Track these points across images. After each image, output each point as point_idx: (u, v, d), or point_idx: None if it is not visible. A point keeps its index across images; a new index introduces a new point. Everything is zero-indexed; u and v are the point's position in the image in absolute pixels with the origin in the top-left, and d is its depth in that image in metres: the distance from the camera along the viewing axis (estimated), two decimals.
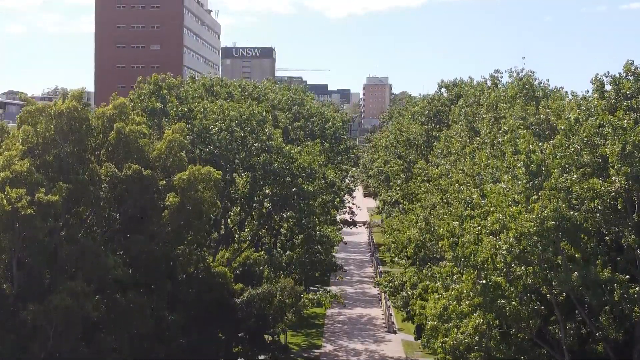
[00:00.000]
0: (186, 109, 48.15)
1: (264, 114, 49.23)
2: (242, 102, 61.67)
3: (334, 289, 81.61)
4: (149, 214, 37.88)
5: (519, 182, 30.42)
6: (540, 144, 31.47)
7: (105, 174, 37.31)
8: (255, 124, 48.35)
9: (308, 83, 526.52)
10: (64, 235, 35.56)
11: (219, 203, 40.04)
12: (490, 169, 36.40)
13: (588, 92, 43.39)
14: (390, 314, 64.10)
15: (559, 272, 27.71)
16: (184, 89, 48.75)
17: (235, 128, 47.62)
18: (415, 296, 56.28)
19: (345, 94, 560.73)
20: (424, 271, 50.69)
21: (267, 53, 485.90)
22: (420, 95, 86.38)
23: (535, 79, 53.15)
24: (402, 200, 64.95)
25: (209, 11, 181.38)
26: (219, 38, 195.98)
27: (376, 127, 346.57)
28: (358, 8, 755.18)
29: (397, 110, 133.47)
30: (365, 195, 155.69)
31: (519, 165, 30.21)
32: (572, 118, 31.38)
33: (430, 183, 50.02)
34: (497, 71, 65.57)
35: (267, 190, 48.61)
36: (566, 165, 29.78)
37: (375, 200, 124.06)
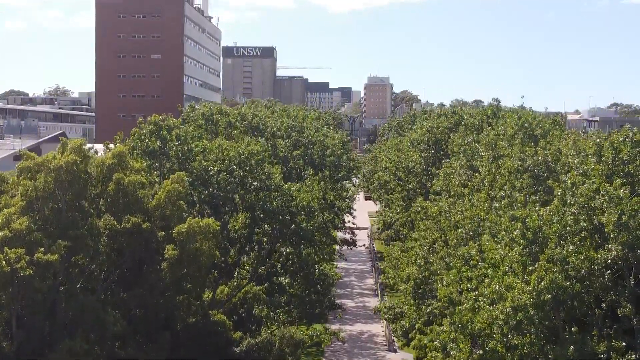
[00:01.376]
0: (186, 148, 48.27)
1: (263, 153, 49.20)
2: (241, 136, 61.86)
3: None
4: (148, 266, 38.07)
5: (516, 248, 30.52)
6: (537, 208, 31.56)
7: (104, 227, 37.48)
8: (254, 164, 48.44)
9: (309, 81, 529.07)
10: (63, 291, 35.74)
11: (217, 253, 40.15)
12: (489, 222, 36.52)
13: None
14: (391, 332, 64.24)
15: (555, 345, 27.84)
16: (184, 129, 48.82)
17: (235, 168, 47.73)
18: (415, 330, 56.64)
19: (346, 92, 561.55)
20: (422, 308, 50.96)
21: (268, 52, 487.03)
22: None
23: (533, 114, 53.42)
24: (402, 229, 65.09)
25: (210, 17, 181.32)
26: (219, 44, 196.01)
27: (377, 127, 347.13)
28: (360, 4, 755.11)
29: (396, 122, 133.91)
30: (366, 199, 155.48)
31: (515, 233, 30.30)
32: (569, 182, 31.48)
33: (429, 221, 50.18)
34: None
35: (266, 227, 48.73)
36: (563, 233, 29.89)
37: (376, 204, 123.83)
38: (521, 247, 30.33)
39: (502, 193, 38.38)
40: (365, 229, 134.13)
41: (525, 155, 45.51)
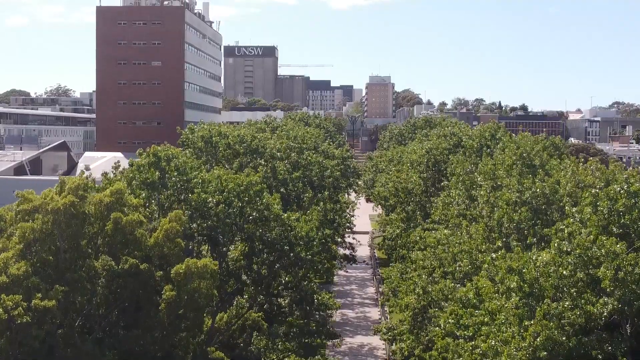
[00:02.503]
0: (185, 179, 48.23)
1: (262, 184, 49.19)
2: (241, 158, 61.92)
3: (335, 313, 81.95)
4: (146, 307, 38.12)
5: (513, 298, 30.57)
6: (533, 257, 31.56)
7: (102, 268, 37.52)
8: (253, 194, 48.43)
9: (311, 79, 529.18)
10: (60, 335, 35.79)
11: (215, 292, 40.18)
12: (487, 264, 36.54)
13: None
14: (391, 354, 64.17)
15: None
16: (182, 160, 48.75)
17: (233, 199, 47.73)
18: (414, 357, 56.59)
19: (348, 91, 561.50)
20: (421, 335, 51.00)
21: (270, 52, 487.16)
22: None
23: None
24: (402, 250, 65.16)
25: (210, 22, 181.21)
26: (220, 48, 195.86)
27: (378, 127, 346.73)
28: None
29: (397, 131, 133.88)
30: (367, 200, 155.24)
31: (512, 285, 30.34)
32: (566, 232, 31.51)
33: (428, 250, 50.22)
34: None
35: (264, 255, 48.80)
36: (559, 284, 29.92)
37: (377, 209, 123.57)
38: (518, 298, 30.38)
39: (499, 243, 38.21)
40: (366, 233, 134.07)
41: (524, 187, 45.55)
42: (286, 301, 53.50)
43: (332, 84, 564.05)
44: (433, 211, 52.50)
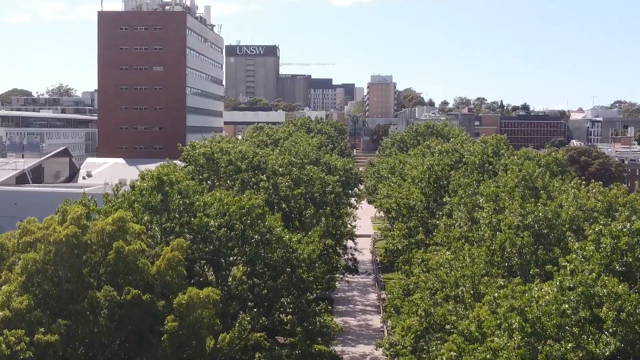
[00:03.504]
0: (187, 201, 48.27)
1: (264, 207, 49.22)
2: (242, 175, 61.85)
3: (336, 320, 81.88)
4: (148, 337, 38.17)
5: (515, 338, 30.54)
6: (535, 294, 31.52)
7: (104, 298, 37.54)
8: (255, 217, 48.47)
9: (312, 77, 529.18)
10: None
11: (218, 322, 40.22)
12: (490, 296, 36.47)
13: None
14: None
15: None
16: (185, 184, 48.74)
17: (235, 222, 47.78)
18: None
19: (349, 89, 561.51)
20: (424, 357, 51.02)
21: (271, 51, 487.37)
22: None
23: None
24: (403, 266, 65.17)
25: (212, 26, 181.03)
26: (222, 52, 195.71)
27: (380, 127, 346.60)
28: None
29: (399, 137, 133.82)
30: (369, 202, 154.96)
31: (514, 325, 30.31)
32: (568, 269, 31.49)
33: (430, 272, 50.19)
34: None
35: (266, 278, 48.84)
36: (561, 323, 29.90)
37: (380, 212, 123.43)
38: (520, 337, 30.36)
39: (501, 272, 38.14)
40: (368, 236, 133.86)
41: (526, 211, 45.57)
42: (288, 317, 53.52)
43: (333, 82, 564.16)
44: (435, 233, 52.43)
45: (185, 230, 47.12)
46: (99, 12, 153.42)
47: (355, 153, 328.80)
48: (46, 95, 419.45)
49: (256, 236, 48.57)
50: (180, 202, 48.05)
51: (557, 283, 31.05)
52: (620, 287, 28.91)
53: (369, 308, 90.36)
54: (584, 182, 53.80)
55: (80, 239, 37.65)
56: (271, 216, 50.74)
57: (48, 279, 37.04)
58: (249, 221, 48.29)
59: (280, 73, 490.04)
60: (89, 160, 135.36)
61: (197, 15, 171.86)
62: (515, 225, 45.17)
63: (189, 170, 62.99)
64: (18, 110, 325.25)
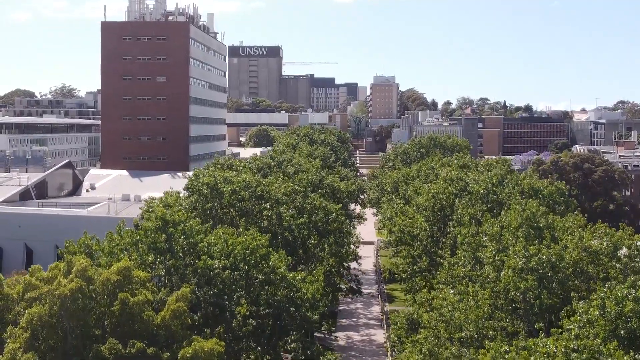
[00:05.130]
0: (192, 242, 48.36)
1: (267, 247, 49.36)
2: (245, 203, 61.90)
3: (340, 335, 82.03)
4: None
5: None
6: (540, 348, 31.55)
7: (109, 352, 37.63)
8: (259, 257, 48.60)
9: (315, 76, 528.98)
10: None
11: None
12: (493, 352, 36.54)
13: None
14: None
15: None
16: (190, 224, 48.81)
17: (239, 263, 47.89)
18: None
19: (352, 88, 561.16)
20: None
21: (274, 52, 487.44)
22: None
23: None
24: (406, 295, 65.24)
25: (215, 34, 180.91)
26: (225, 59, 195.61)
27: (383, 128, 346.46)
28: None
29: (402, 150, 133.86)
30: (374, 214, 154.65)
31: None
32: (573, 334, 31.53)
33: (434, 312, 50.28)
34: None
35: (270, 317, 48.96)
36: None
37: (384, 233, 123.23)
38: None
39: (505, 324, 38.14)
40: (372, 243, 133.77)
41: (530, 253, 45.60)
42: (292, 355, 53.60)
43: (336, 82, 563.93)
44: (439, 272, 52.51)
45: (189, 271, 47.18)
46: (102, 22, 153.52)
47: (358, 154, 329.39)
48: (49, 96, 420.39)
49: (260, 276, 48.72)
50: (184, 242, 48.16)
51: (562, 350, 31.08)
52: (625, 358, 28.93)
53: (372, 322, 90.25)
54: (585, 218, 53.87)
55: (85, 292, 37.72)
56: (275, 254, 50.91)
57: (53, 332, 37.09)
58: (252, 261, 48.43)
59: (283, 74, 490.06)
60: (92, 172, 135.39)
61: (201, 23, 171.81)
62: (519, 268, 45.27)
63: (192, 200, 63.16)
64: (21, 112, 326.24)
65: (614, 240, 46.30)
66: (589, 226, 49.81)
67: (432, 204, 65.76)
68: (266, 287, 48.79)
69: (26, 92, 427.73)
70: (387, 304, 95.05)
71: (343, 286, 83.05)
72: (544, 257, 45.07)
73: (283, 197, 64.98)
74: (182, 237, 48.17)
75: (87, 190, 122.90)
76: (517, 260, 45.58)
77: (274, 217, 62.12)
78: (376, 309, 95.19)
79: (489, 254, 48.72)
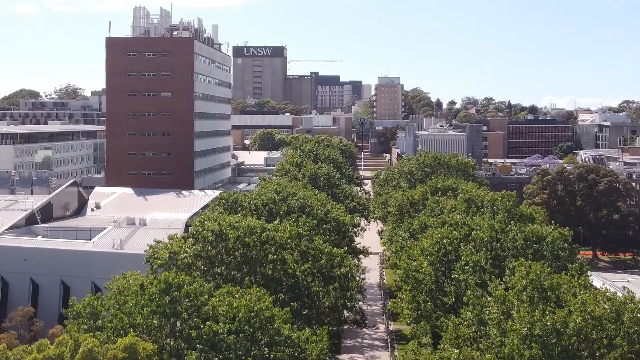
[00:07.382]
0: (196, 303, 48.64)
1: (272, 309, 49.63)
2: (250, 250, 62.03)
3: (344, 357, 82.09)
4: None
5: None
6: None
7: None
8: (264, 320, 48.85)
9: (320, 74, 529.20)
10: None
11: None
12: None
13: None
14: None
15: None
16: (194, 286, 49.10)
17: (244, 326, 48.16)
18: None
19: (357, 87, 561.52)
20: None
21: (278, 52, 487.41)
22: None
23: None
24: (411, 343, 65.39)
25: (219, 45, 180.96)
26: (229, 70, 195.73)
27: (388, 129, 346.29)
28: None
29: (406, 169, 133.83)
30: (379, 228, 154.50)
31: None
32: None
33: None
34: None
35: None
36: None
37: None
38: None
39: None
40: (376, 254, 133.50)
41: (534, 319, 45.85)
42: None
43: (341, 80, 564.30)
44: (443, 334, 52.71)
45: (194, 335, 47.44)
46: (107, 38, 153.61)
47: (362, 155, 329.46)
48: (54, 96, 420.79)
49: (265, 338, 49.01)
50: (189, 304, 48.52)
51: None
52: None
53: (377, 342, 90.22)
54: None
55: None
56: (279, 312, 51.17)
57: None
58: (257, 324, 48.73)
59: (287, 74, 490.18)
60: (97, 190, 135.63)
61: (205, 36, 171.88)
62: (523, 335, 45.57)
63: (197, 248, 63.34)
64: (26, 114, 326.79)
65: (617, 305, 46.63)
66: (593, 290, 50.01)
67: (436, 249, 65.98)
68: (271, 349, 49.03)
69: (31, 92, 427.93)
70: (391, 323, 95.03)
71: (347, 313, 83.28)
72: (548, 324, 45.47)
73: (288, 241, 65.22)
74: (187, 300, 48.50)
75: (92, 210, 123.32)
76: (521, 327, 45.89)
77: (278, 263, 62.35)
78: (381, 327, 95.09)
79: (493, 316, 48.97)
